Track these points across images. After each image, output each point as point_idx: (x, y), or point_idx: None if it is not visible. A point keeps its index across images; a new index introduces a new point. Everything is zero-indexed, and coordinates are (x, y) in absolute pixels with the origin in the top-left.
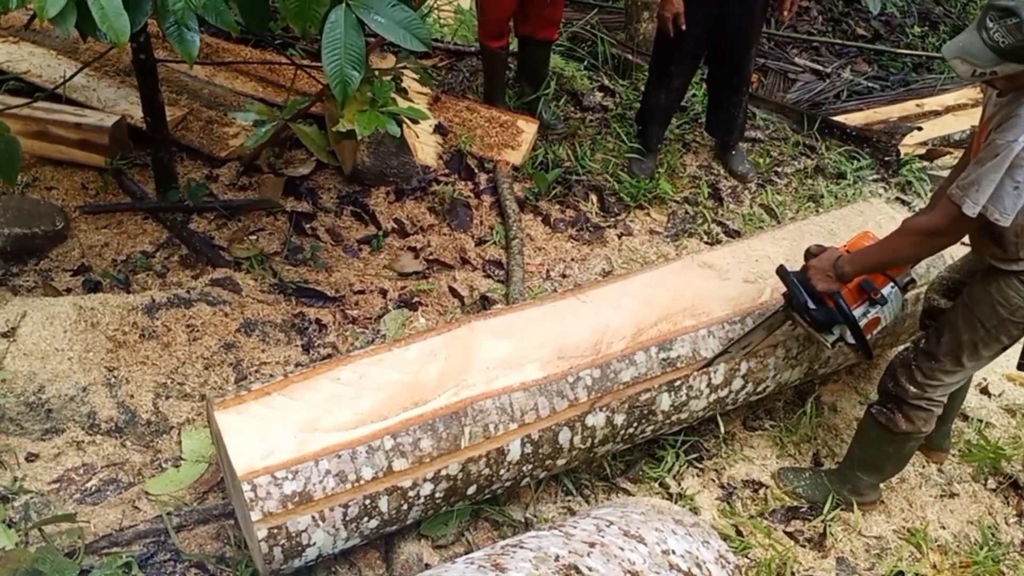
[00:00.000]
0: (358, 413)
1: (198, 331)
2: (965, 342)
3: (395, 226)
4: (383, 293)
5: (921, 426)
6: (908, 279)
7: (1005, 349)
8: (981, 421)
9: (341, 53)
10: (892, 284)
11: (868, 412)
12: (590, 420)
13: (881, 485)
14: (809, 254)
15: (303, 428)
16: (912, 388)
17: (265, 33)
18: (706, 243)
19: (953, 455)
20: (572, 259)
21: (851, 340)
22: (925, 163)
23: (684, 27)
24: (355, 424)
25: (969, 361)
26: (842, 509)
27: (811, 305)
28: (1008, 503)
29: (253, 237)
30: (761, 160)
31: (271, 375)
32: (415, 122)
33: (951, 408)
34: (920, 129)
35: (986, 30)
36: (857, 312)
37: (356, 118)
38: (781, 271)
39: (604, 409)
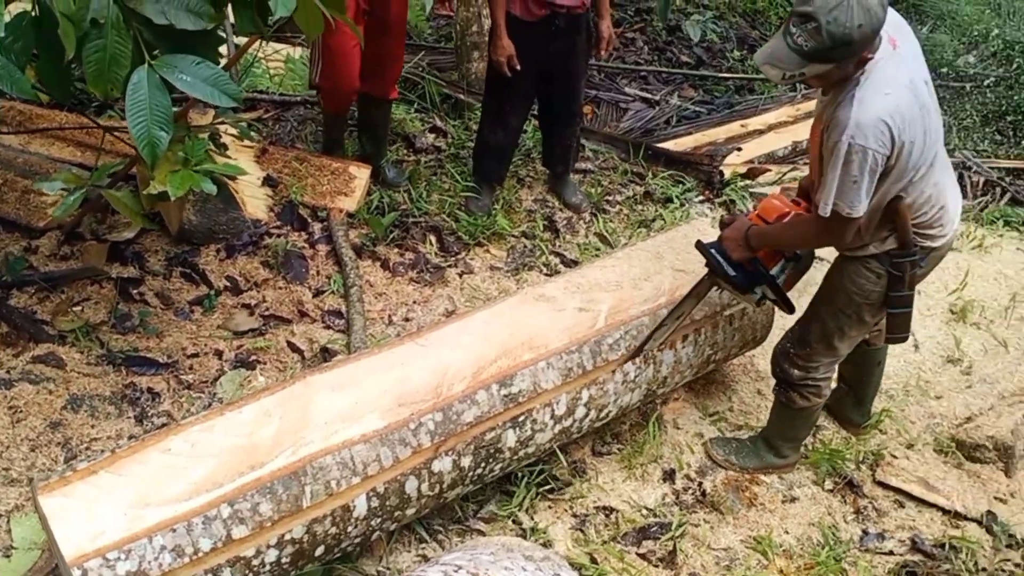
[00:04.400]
0: (191, 483)
1: (21, 412)
2: (832, 329)
3: (228, 284)
4: (219, 354)
5: (816, 400)
6: None
7: (874, 325)
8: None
9: (147, 114)
10: None
11: (774, 392)
12: (436, 466)
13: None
14: (722, 224)
15: (134, 504)
16: (795, 372)
17: (68, 100)
18: (546, 275)
19: None
20: (414, 302)
21: (773, 296)
22: (747, 181)
23: (519, 67)
24: (189, 495)
25: (840, 343)
26: (705, 513)
27: (731, 272)
28: (845, 501)
29: (78, 308)
30: (593, 190)
31: (102, 451)
32: (232, 179)
33: (868, 386)
34: (740, 150)
35: (790, 35)
36: (775, 270)
37: (168, 179)
38: (699, 245)
39: (450, 453)
